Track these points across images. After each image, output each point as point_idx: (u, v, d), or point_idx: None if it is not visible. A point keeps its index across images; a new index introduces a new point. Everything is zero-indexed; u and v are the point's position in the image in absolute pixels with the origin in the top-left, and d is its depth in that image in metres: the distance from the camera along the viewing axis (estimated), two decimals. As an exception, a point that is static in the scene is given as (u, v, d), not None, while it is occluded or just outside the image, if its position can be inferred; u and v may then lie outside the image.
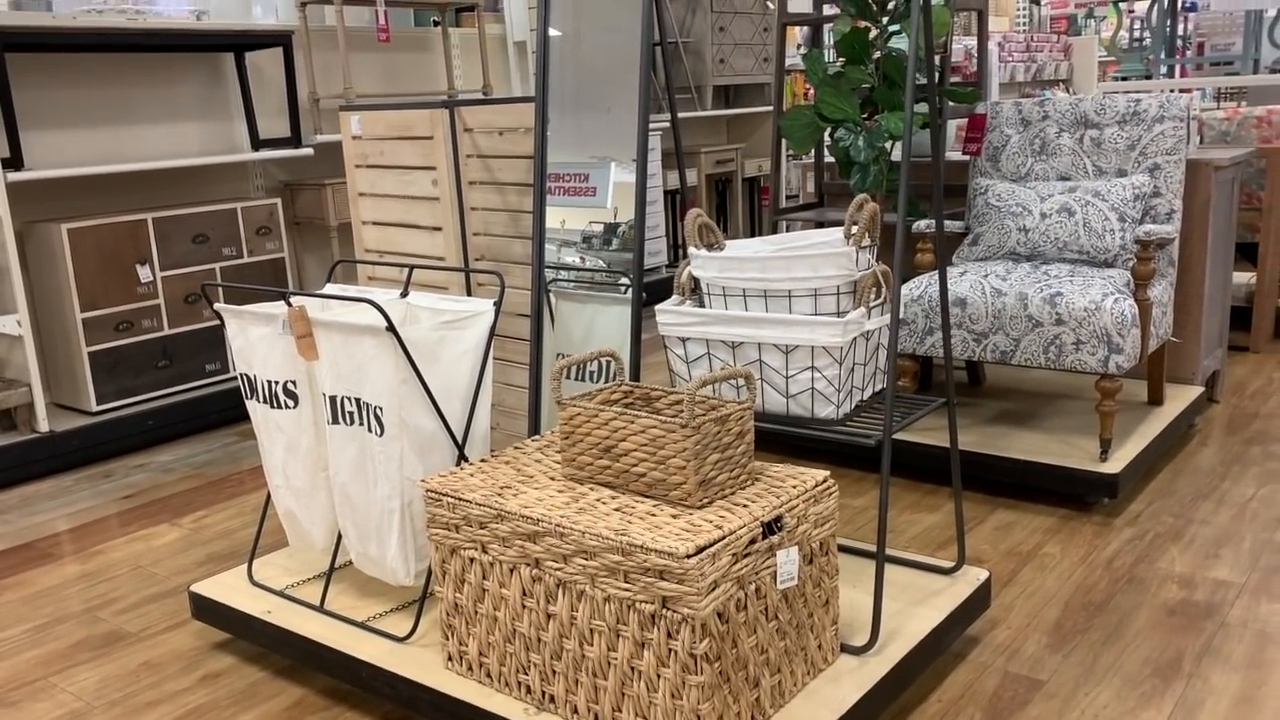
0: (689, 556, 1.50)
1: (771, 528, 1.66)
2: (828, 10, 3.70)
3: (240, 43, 4.09)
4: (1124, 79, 6.17)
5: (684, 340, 2.16)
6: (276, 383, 2.23)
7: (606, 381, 2.48)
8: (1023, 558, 2.49)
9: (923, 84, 3.03)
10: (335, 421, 2.13)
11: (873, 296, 2.06)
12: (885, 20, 3.22)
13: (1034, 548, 2.54)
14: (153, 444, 3.76)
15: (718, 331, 2.10)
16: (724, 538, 1.57)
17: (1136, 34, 6.69)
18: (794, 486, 1.75)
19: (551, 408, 2.59)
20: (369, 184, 2.73)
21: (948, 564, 2.16)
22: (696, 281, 2.23)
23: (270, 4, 4.68)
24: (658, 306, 2.19)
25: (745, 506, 1.68)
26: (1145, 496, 2.81)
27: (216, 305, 2.28)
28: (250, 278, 4.02)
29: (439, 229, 2.64)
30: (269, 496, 2.33)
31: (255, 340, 2.24)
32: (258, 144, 4.24)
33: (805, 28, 6.53)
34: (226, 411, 3.93)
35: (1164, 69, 6.01)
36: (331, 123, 4.53)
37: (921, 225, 3.13)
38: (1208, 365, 3.37)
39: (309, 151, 4.23)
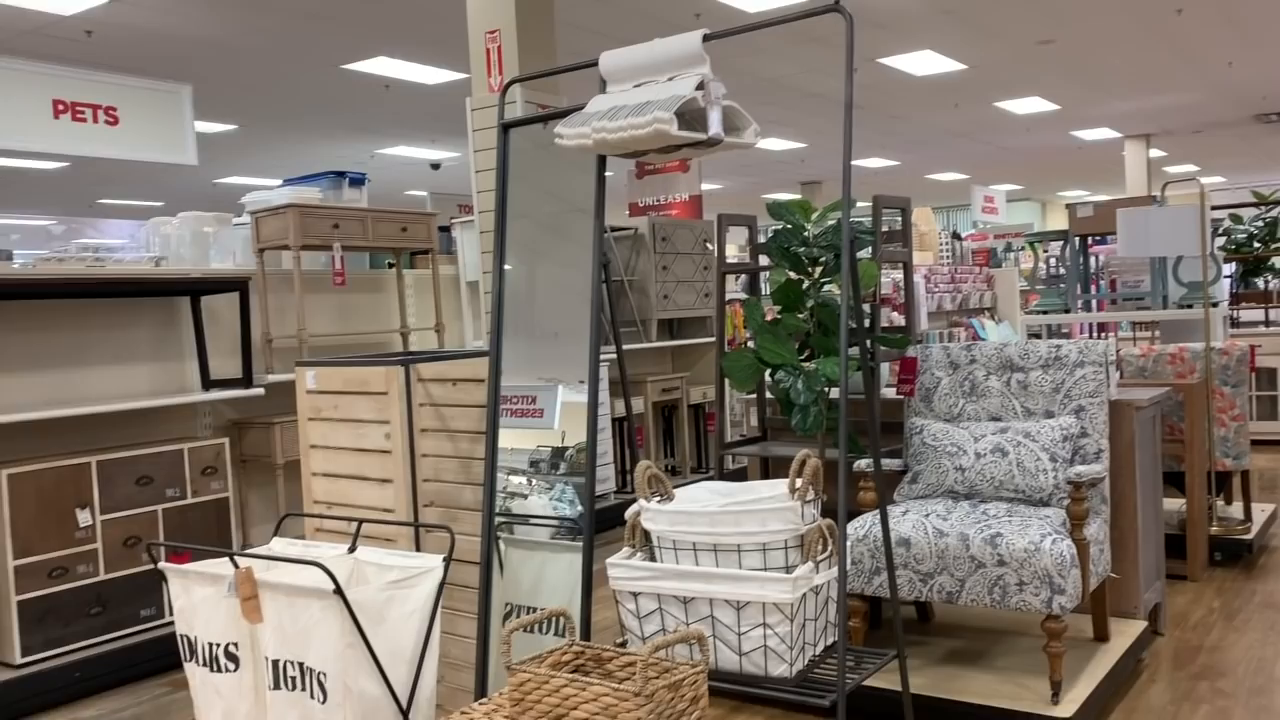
0: (644, 841, 1.46)
1: (727, 802, 1.63)
2: (763, 260, 3.92)
3: (197, 288, 4.20)
4: (1044, 312, 6.53)
5: (636, 595, 2.17)
6: (218, 645, 2.18)
7: (557, 634, 2.46)
8: (984, 812, 2.43)
9: (856, 329, 3.20)
10: (277, 687, 2.07)
11: (820, 550, 2.11)
12: (817, 272, 3.43)
13: (994, 800, 2.48)
14: (78, 697, 3.58)
15: (669, 586, 2.11)
16: (679, 817, 1.53)
17: (1052, 268, 7.16)
18: (749, 754, 1.73)
19: (498, 658, 2.54)
20: (321, 436, 2.76)
21: (908, 826, 2.11)
22: (647, 533, 2.26)
23: (227, 249, 4.84)
24: (609, 561, 2.21)
25: (700, 779, 1.65)
26: (1101, 739, 2.78)
27: (160, 565, 2.25)
28: (193, 519, 3.96)
29: (389, 481, 2.66)
30: (202, 767, 2.22)
31: (199, 601, 2.20)
32: (208, 384, 4.28)
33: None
34: (158, 660, 3.78)
35: (1080, 303, 6.38)
36: (283, 362, 4.61)
37: (862, 464, 3.21)
38: (1149, 598, 3.43)
39: (260, 391, 4.27)
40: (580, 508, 2.49)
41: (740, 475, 6.34)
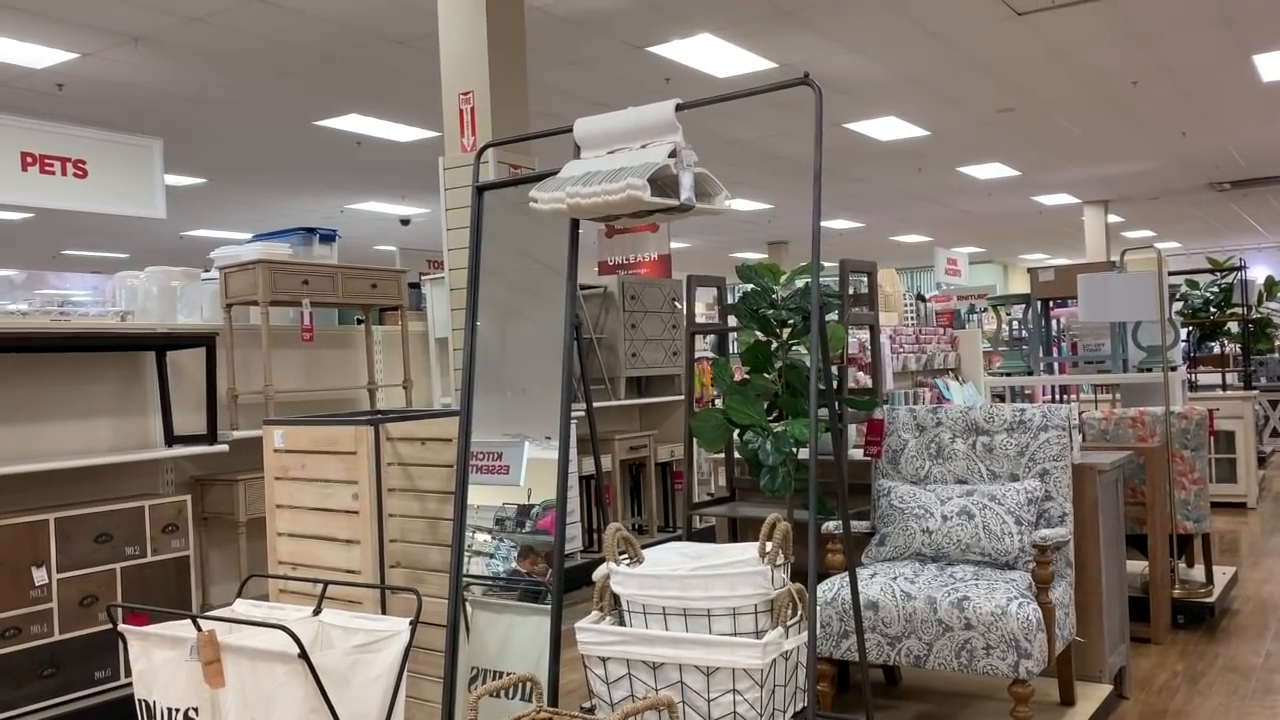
0: None
1: None
2: (732, 320, 3.96)
3: (164, 343, 4.17)
4: (1007, 374, 6.62)
5: (604, 660, 2.15)
6: (178, 710, 2.13)
7: (524, 699, 2.43)
8: None
9: (824, 391, 3.23)
10: (238, 755, 2.02)
11: (789, 614, 2.10)
12: (785, 334, 3.46)
13: None
14: (26, 764, 3.47)
15: (638, 651, 2.10)
16: None
17: (1015, 331, 7.28)
18: (719, 824, 1.71)
19: (465, 725, 2.50)
20: (288, 496, 2.73)
21: None
22: (616, 596, 2.25)
23: (194, 303, 4.82)
24: (577, 625, 2.19)
25: None
26: (1069, 806, 2.77)
27: (121, 627, 2.21)
28: (153, 578, 3.88)
29: (356, 542, 2.63)
30: (157, 837, 2.16)
31: (159, 664, 2.16)
32: (172, 440, 4.22)
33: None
34: (112, 724, 3.68)
35: (1043, 365, 6.48)
36: (249, 418, 4.56)
37: (830, 526, 3.22)
38: (1113, 662, 3.44)
39: (224, 448, 4.22)
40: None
41: (708, 534, 6.32)
